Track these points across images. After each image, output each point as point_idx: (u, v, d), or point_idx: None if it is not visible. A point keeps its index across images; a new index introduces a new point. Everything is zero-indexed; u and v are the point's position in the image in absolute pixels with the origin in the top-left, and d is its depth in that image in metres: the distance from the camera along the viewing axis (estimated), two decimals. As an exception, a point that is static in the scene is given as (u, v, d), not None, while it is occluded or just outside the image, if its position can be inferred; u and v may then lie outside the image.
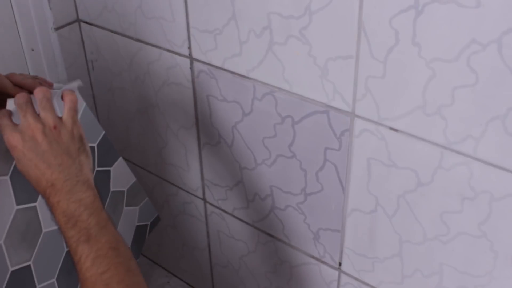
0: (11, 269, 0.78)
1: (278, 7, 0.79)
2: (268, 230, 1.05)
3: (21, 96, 0.70)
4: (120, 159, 0.93)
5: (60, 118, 0.70)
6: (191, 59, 0.96)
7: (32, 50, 1.05)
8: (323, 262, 0.99)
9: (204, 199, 1.14)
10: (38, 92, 0.70)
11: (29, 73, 1.06)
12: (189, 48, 0.95)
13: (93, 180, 0.70)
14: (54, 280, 0.85)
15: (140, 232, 1.03)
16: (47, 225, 0.82)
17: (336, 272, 0.98)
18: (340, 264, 0.97)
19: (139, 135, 1.16)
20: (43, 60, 1.07)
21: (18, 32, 1.02)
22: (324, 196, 0.91)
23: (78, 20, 1.11)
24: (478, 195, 0.74)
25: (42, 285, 0.83)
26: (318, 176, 0.90)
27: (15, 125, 0.68)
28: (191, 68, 0.97)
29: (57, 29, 1.08)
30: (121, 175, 0.94)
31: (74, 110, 0.71)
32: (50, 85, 0.77)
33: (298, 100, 0.85)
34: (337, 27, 0.75)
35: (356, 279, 0.96)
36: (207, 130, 1.02)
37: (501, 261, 0.77)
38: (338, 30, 0.75)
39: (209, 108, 0.99)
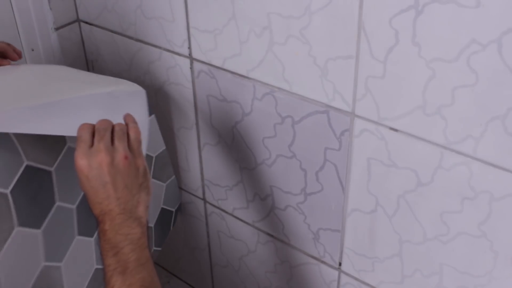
0: None
1: (278, 7, 0.79)
2: (268, 230, 1.05)
3: (104, 122, 0.72)
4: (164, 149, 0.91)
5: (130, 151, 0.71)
6: (191, 59, 0.96)
7: (32, 50, 1.05)
8: (323, 262, 0.99)
9: (204, 199, 1.14)
10: (117, 125, 0.72)
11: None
12: (189, 48, 0.95)
13: (147, 218, 0.72)
14: None
15: (164, 218, 1.00)
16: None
17: (336, 272, 0.98)
18: (340, 264, 0.97)
19: (139, 135, 1.16)
20: (43, 60, 1.07)
21: (18, 32, 1.02)
22: (324, 196, 0.91)
23: (78, 20, 1.11)
24: (478, 195, 0.74)
25: None
26: (318, 176, 0.90)
27: (90, 147, 0.70)
28: (191, 68, 0.97)
29: (57, 29, 1.08)
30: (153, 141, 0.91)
31: (139, 142, 0.73)
32: (19, 53, 0.83)
33: (298, 100, 0.85)
34: (337, 27, 0.75)
35: (356, 279, 0.96)
36: (207, 130, 1.02)
37: (501, 261, 0.77)
38: (338, 30, 0.75)
39: (209, 108, 0.99)
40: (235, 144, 0.99)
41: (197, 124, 1.03)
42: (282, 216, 1.00)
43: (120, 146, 0.70)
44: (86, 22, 1.10)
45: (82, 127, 0.71)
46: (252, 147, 0.96)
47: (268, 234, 1.05)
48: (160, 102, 1.07)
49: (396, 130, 0.77)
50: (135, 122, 0.74)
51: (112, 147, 0.70)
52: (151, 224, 0.99)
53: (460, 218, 0.77)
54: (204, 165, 1.08)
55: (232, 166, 1.02)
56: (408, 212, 0.82)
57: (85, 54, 1.15)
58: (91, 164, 0.69)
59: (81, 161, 0.69)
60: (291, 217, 0.98)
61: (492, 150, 0.70)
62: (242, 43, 0.86)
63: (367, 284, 0.95)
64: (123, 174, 0.70)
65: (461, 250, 0.80)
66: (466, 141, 0.71)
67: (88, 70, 1.16)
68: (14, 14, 1.00)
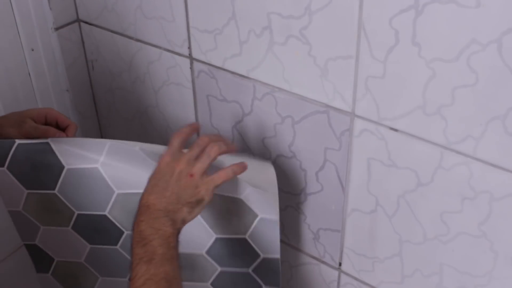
0: None
1: (278, 7, 0.79)
2: (268, 230, 1.05)
3: (206, 137, 0.80)
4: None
5: (205, 175, 0.78)
6: (191, 59, 0.96)
7: (32, 50, 1.05)
8: (323, 262, 0.99)
9: (204, 199, 1.14)
10: (213, 147, 0.78)
11: (29, 74, 1.06)
12: (189, 48, 0.95)
13: (181, 227, 0.76)
14: None
15: None
16: None
17: (336, 272, 0.98)
18: (340, 264, 0.97)
19: (139, 135, 1.16)
20: (43, 60, 1.07)
21: (18, 32, 1.02)
22: (324, 196, 0.91)
23: (78, 20, 1.11)
24: (478, 195, 0.74)
25: None
26: (318, 176, 0.90)
27: (180, 150, 0.79)
28: (191, 68, 0.97)
29: (57, 29, 1.08)
30: None
31: (220, 181, 0.78)
32: (73, 129, 0.88)
33: (298, 100, 0.85)
34: (337, 27, 0.75)
35: (356, 279, 0.96)
36: (207, 130, 1.02)
37: (501, 261, 0.77)
38: (338, 30, 0.75)
39: (209, 108, 0.99)
40: (235, 144, 0.99)
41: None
42: (282, 216, 1.00)
43: (198, 165, 0.77)
44: (86, 22, 1.10)
45: (176, 135, 0.80)
46: (252, 147, 0.96)
47: (268, 234, 1.05)
48: (160, 102, 1.07)
49: (396, 130, 0.77)
50: (232, 171, 0.79)
51: (193, 161, 0.77)
52: None
53: (460, 218, 0.77)
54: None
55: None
56: (408, 212, 0.82)
57: (85, 54, 1.15)
58: (169, 164, 0.77)
59: (165, 157, 0.77)
60: (291, 217, 0.98)
61: (492, 150, 0.70)
62: (242, 43, 0.86)
63: (367, 284, 0.95)
64: (183, 186, 0.76)
65: (461, 250, 0.80)
66: (466, 141, 0.71)
67: (88, 70, 1.16)
68: (14, 14, 1.00)
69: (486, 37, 0.63)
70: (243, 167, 0.80)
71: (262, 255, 0.89)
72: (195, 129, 0.83)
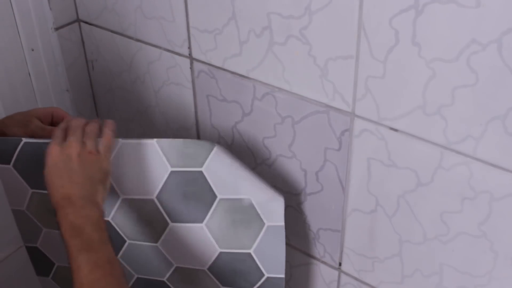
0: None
1: (278, 7, 0.79)
2: (268, 230, 1.05)
3: (78, 120, 0.80)
4: None
5: (97, 150, 0.78)
6: (191, 59, 0.96)
7: (32, 50, 1.05)
8: (323, 262, 0.99)
9: (204, 199, 1.14)
10: (90, 125, 0.80)
11: (29, 74, 1.06)
12: (189, 48, 0.95)
13: (103, 206, 0.77)
14: None
15: None
16: None
17: (336, 272, 0.98)
18: (340, 264, 0.97)
19: (139, 135, 1.16)
20: (43, 60, 1.07)
21: (18, 32, 1.02)
22: (324, 196, 0.91)
23: (78, 20, 1.11)
24: (478, 195, 0.74)
25: None
26: (318, 176, 0.90)
27: (63, 140, 0.77)
28: (191, 68, 0.97)
29: (57, 29, 1.08)
30: None
31: (109, 148, 0.80)
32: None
33: (298, 100, 0.85)
34: (337, 27, 0.75)
35: (356, 279, 0.96)
36: (207, 130, 1.02)
37: (501, 261, 0.77)
38: (338, 30, 0.75)
39: (209, 108, 0.99)
40: (235, 144, 0.99)
41: (197, 124, 1.03)
42: (282, 216, 1.00)
43: (89, 143, 0.77)
44: (86, 22, 1.10)
45: (56, 128, 0.79)
46: (252, 147, 0.96)
47: (268, 234, 1.05)
48: (160, 102, 1.07)
49: (396, 130, 0.77)
50: (111, 131, 0.81)
51: (82, 142, 0.77)
52: None
53: (460, 218, 0.77)
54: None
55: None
56: (408, 212, 0.82)
57: (85, 54, 1.15)
58: (62, 152, 0.76)
59: (54, 147, 0.76)
60: (291, 217, 0.98)
61: (492, 150, 0.70)
62: (242, 43, 0.86)
63: (367, 284, 0.95)
64: (88, 166, 0.76)
65: (461, 250, 0.80)
66: (466, 141, 0.71)
67: (88, 70, 1.16)
68: (14, 14, 1.00)
69: (486, 37, 0.63)
70: (111, 123, 0.82)
71: (266, 275, 0.87)
72: (69, 120, 0.82)
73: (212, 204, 0.85)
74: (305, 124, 0.86)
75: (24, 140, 0.82)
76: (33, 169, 0.85)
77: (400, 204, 0.82)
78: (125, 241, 0.90)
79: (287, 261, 1.05)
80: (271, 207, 0.84)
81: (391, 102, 0.75)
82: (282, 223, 0.84)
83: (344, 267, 0.96)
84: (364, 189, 0.85)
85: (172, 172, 0.83)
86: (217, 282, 0.91)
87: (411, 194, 0.80)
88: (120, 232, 0.89)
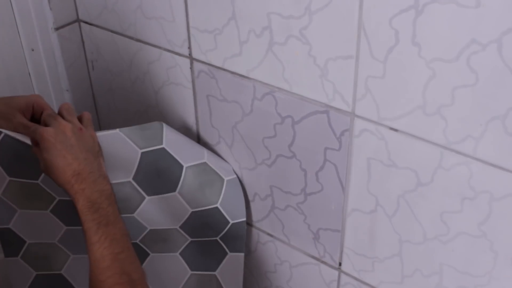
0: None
1: (278, 7, 0.79)
2: (268, 230, 1.05)
3: (49, 109, 0.83)
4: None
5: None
6: (191, 59, 0.96)
7: (32, 50, 1.05)
8: (323, 262, 0.99)
9: (204, 199, 1.14)
10: (64, 104, 0.82)
11: (29, 74, 1.06)
12: (189, 48, 0.95)
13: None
14: None
15: None
16: None
17: (336, 272, 0.98)
18: (340, 264, 0.97)
19: (139, 135, 1.16)
20: (43, 60, 1.07)
21: (18, 32, 1.02)
22: (324, 196, 0.91)
23: (78, 20, 1.11)
24: (478, 195, 0.74)
25: None
26: (318, 176, 0.90)
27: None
28: (191, 68, 0.97)
29: (57, 29, 1.08)
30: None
31: (91, 122, 0.84)
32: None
33: (298, 100, 0.85)
34: (337, 27, 0.75)
35: (356, 279, 0.96)
36: (207, 130, 1.02)
37: (501, 261, 0.77)
38: (338, 30, 0.75)
39: (209, 108, 0.99)
40: (235, 144, 0.99)
41: (197, 124, 1.03)
42: (282, 216, 1.00)
43: (74, 120, 0.80)
44: (86, 22, 1.10)
45: (44, 115, 0.81)
46: (252, 147, 0.96)
47: (268, 234, 1.05)
48: (160, 102, 1.07)
49: (396, 130, 0.77)
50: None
51: (67, 121, 0.79)
52: None
53: (460, 218, 0.77)
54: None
55: (232, 166, 1.02)
56: (408, 212, 0.82)
57: (85, 54, 1.15)
58: (57, 131, 0.77)
59: (46, 130, 0.76)
60: (291, 217, 0.98)
61: (492, 150, 0.70)
62: (242, 43, 0.86)
63: (367, 284, 0.95)
64: (84, 141, 0.79)
65: (461, 250, 0.80)
66: (466, 141, 0.71)
67: (88, 70, 1.16)
68: (14, 14, 1.00)
69: (486, 37, 0.63)
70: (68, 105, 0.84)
71: (231, 221, 0.97)
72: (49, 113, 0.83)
73: (181, 173, 0.93)
74: (305, 124, 0.86)
75: (4, 132, 0.83)
76: (12, 160, 0.88)
77: (400, 204, 0.82)
78: None
79: (287, 261, 1.05)
80: (222, 165, 0.98)
81: (391, 102, 0.75)
82: (235, 176, 0.98)
83: (344, 267, 0.96)
84: (364, 189, 0.85)
85: (142, 153, 0.90)
86: (187, 236, 0.98)
87: (411, 194, 0.80)
88: None
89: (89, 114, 0.84)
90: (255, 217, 1.06)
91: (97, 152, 0.81)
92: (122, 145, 0.88)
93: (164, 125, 0.92)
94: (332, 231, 0.94)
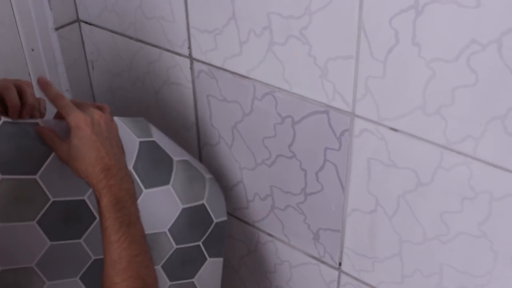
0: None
1: (278, 7, 0.79)
2: (268, 230, 1.05)
3: (74, 100, 0.77)
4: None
5: None
6: (191, 59, 0.96)
7: (32, 50, 1.05)
8: (323, 262, 0.99)
9: (204, 199, 1.14)
10: (80, 102, 0.77)
11: (29, 74, 1.06)
12: (189, 48, 0.95)
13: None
14: None
15: None
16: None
17: (336, 272, 0.98)
18: (340, 264, 0.97)
19: (139, 135, 1.17)
20: (43, 60, 1.07)
21: (18, 32, 1.02)
22: (324, 196, 0.91)
23: (78, 20, 1.11)
24: (478, 195, 0.74)
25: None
26: (318, 176, 0.90)
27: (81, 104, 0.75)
28: (191, 68, 0.97)
29: (57, 29, 1.08)
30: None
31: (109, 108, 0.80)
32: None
33: (298, 100, 0.85)
34: (337, 27, 0.75)
35: (356, 279, 0.96)
36: (207, 130, 1.02)
37: (501, 261, 0.77)
38: (338, 30, 0.75)
39: (209, 108, 0.99)
40: (235, 144, 0.99)
41: (197, 124, 1.03)
42: (282, 216, 1.00)
43: (106, 111, 0.76)
44: (86, 22, 1.10)
45: (61, 99, 0.75)
46: (252, 147, 0.96)
47: (268, 234, 1.05)
48: (160, 102, 1.07)
49: (396, 130, 0.77)
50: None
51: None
52: None
53: (460, 218, 0.77)
54: (204, 165, 1.08)
55: (232, 166, 1.02)
56: (408, 212, 0.82)
57: (85, 54, 1.15)
58: (92, 121, 0.73)
59: (83, 117, 0.72)
60: (291, 217, 0.98)
61: (492, 150, 0.70)
62: (242, 43, 0.86)
63: (367, 284, 0.95)
64: (114, 134, 0.76)
65: (461, 250, 0.80)
66: (466, 141, 0.71)
67: (88, 70, 1.17)
68: (14, 14, 1.00)
69: (486, 37, 0.63)
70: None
71: (214, 220, 0.98)
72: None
73: (172, 166, 0.92)
74: (305, 124, 0.86)
75: (3, 119, 0.76)
76: (7, 152, 0.77)
77: (400, 204, 0.82)
78: (95, 218, 0.87)
79: (287, 261, 1.06)
80: (198, 165, 0.98)
81: (391, 102, 0.75)
82: (212, 176, 0.98)
83: (344, 267, 0.96)
84: (364, 189, 0.85)
85: (140, 142, 0.88)
86: (173, 242, 0.96)
87: (411, 194, 0.80)
88: (92, 210, 0.87)
89: (109, 107, 0.80)
90: (255, 217, 1.06)
91: (122, 147, 0.78)
92: (122, 133, 0.84)
93: (148, 122, 0.92)
94: (332, 231, 0.94)
